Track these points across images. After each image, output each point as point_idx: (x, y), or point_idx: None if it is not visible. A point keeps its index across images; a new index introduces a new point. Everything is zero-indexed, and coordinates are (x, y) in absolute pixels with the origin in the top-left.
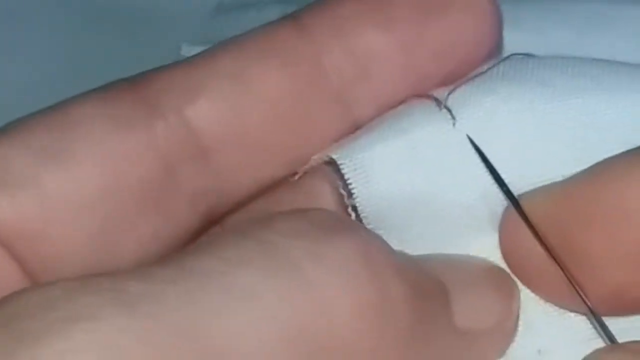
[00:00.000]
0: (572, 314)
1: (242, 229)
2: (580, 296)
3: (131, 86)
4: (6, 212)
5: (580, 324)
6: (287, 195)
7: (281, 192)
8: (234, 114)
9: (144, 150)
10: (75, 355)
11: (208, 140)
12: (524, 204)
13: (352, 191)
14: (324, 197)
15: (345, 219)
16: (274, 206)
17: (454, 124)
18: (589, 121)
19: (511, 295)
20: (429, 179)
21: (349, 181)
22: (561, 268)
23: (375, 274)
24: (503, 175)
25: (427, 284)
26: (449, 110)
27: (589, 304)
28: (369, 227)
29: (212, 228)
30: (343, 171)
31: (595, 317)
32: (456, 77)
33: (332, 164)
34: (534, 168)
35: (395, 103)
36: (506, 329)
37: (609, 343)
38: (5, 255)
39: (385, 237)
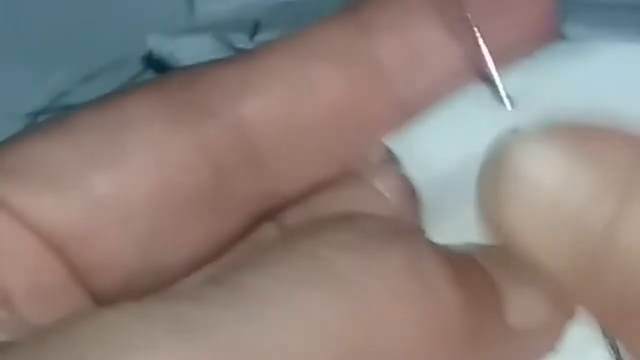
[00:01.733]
0: None
1: (292, 242)
2: None
3: (184, 83)
4: (56, 214)
5: None
6: (348, 192)
7: (342, 189)
8: (289, 116)
9: (196, 153)
10: None
11: (262, 142)
12: None
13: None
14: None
15: (396, 225)
16: (335, 202)
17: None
18: None
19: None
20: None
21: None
22: None
23: (427, 285)
24: None
25: (480, 286)
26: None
27: None
28: (427, 208)
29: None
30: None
31: None
32: None
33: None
34: None
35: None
36: (555, 328)
37: None
38: (55, 256)
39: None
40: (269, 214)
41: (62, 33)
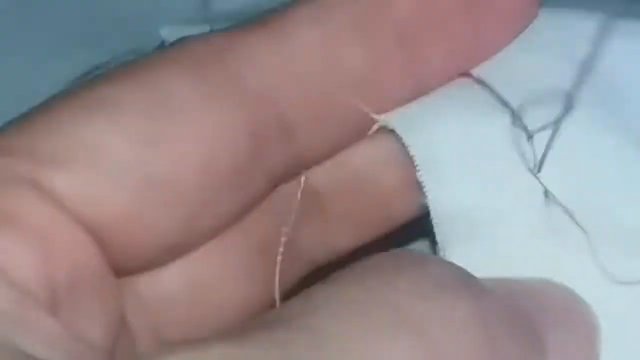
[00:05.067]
0: None
1: (367, 287)
2: None
3: (216, 57)
4: (104, 198)
5: None
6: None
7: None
8: (319, 90)
9: (235, 128)
10: None
11: (293, 117)
12: None
13: (406, 143)
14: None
15: (461, 273)
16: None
17: (528, 139)
18: None
19: (595, 333)
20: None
21: (401, 137)
22: None
23: (490, 336)
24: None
25: (530, 337)
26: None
27: None
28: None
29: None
30: (395, 129)
31: None
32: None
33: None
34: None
35: (463, 71)
36: None
37: None
38: (95, 245)
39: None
40: (286, 179)
41: (75, 23)
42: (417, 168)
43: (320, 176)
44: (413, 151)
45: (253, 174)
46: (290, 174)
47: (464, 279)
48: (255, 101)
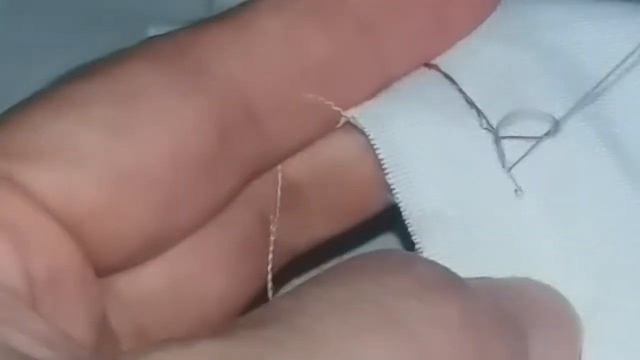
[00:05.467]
0: None
1: (356, 286)
2: None
3: (182, 48)
4: (78, 192)
5: None
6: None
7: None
8: (284, 78)
9: (204, 117)
10: None
11: (259, 105)
12: None
13: (372, 142)
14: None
15: (447, 273)
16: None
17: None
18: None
19: (576, 331)
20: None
21: (368, 134)
22: None
23: (477, 334)
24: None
25: (514, 335)
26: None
27: None
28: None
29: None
30: (361, 126)
31: None
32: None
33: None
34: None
35: (426, 59)
36: None
37: None
38: (72, 239)
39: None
40: (259, 172)
41: (67, 22)
42: (386, 171)
43: (295, 167)
44: (381, 154)
45: (225, 164)
46: (263, 165)
47: (450, 279)
48: (221, 90)
